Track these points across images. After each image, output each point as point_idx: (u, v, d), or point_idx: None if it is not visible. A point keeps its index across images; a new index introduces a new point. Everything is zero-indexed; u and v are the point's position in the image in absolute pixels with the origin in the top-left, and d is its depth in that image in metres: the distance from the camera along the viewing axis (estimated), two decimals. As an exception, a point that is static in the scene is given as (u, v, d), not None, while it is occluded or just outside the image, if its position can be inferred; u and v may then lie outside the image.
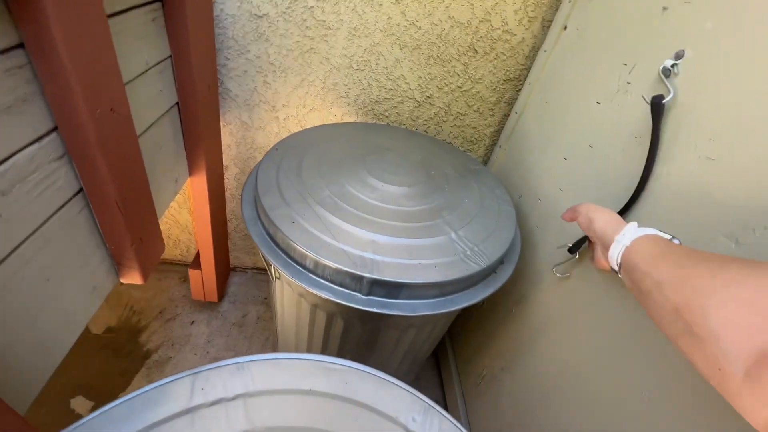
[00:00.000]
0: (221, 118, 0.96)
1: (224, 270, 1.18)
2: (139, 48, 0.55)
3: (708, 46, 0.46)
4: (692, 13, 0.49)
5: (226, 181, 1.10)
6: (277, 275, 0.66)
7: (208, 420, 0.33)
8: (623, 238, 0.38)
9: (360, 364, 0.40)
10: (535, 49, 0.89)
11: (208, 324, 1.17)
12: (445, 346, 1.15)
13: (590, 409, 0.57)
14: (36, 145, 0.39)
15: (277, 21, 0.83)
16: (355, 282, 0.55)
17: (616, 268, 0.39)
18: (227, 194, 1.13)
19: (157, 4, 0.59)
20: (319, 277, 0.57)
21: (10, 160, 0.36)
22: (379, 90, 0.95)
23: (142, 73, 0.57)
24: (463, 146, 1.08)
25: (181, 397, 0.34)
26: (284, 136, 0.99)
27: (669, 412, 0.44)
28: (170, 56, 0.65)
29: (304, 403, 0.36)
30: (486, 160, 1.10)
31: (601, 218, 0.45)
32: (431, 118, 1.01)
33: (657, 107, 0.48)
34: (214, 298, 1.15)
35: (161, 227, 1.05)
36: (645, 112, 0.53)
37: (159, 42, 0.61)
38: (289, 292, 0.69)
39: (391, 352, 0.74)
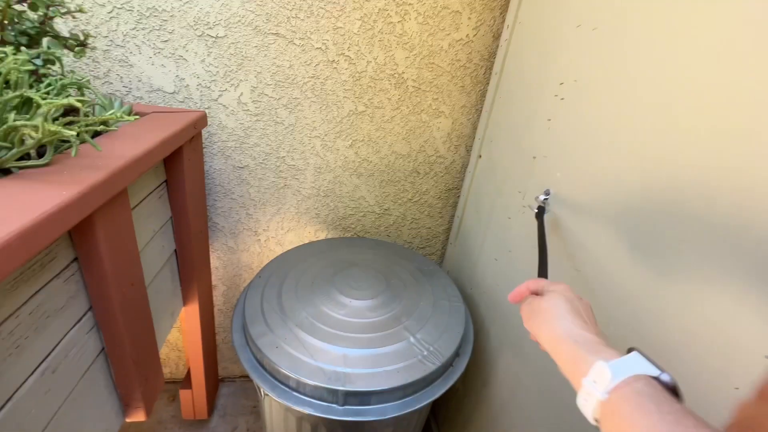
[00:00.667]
0: (210, 246, 1.11)
1: (214, 384, 1.23)
2: (149, 222, 0.71)
3: (560, 188, 0.66)
4: (550, 165, 0.70)
5: (214, 298, 1.21)
6: (266, 393, 0.75)
7: None
8: (595, 389, 0.28)
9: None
10: (464, 167, 1.13)
11: (198, 444, 1.18)
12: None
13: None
14: (76, 327, 0.51)
15: (256, 169, 1.03)
16: (331, 395, 0.65)
17: (588, 416, 0.30)
18: (215, 310, 1.23)
19: (163, 184, 0.77)
20: (301, 394, 0.67)
21: (59, 346, 0.48)
22: (345, 209, 1.14)
23: (150, 239, 0.72)
24: (422, 243, 1.25)
25: None
26: (265, 255, 1.14)
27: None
28: (170, 218, 0.82)
29: None
30: (443, 254, 1.27)
31: (547, 333, 0.38)
32: (391, 225, 1.20)
33: (541, 218, 0.66)
34: (204, 415, 1.18)
35: (153, 351, 1.12)
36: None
37: (163, 211, 0.78)
38: (277, 407, 0.77)
39: (374, 452, 0.80)
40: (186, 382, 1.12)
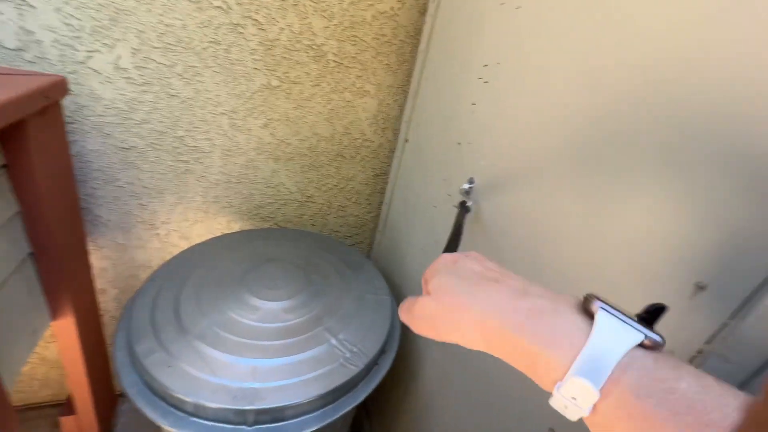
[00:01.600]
0: (92, 244, 0.92)
1: (108, 404, 1.05)
2: (-23, 221, 0.54)
3: (483, 176, 0.63)
4: (475, 151, 0.67)
5: (103, 304, 1.02)
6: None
7: None
8: (575, 404, 0.21)
9: None
10: (392, 152, 1.07)
11: (91, 473, 1.01)
12: (364, 427, 1.17)
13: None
14: None
15: (147, 151, 0.86)
16: (238, 416, 0.57)
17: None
18: (107, 317, 1.04)
19: (1, 169, 0.59)
20: (201, 418, 0.57)
21: None
22: (261, 197, 1.02)
23: (-18, 243, 0.55)
24: (350, 232, 1.19)
25: None
26: (167, 250, 0.98)
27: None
28: (18, 213, 0.63)
29: None
30: (371, 242, 1.22)
31: (459, 336, 0.27)
32: (315, 213, 1.11)
33: (462, 208, 0.63)
34: (98, 439, 1.01)
35: (23, 369, 0.91)
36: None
37: (2, 205, 0.60)
38: (177, 432, 0.66)
39: (296, 462, 0.74)
40: (67, 407, 0.94)
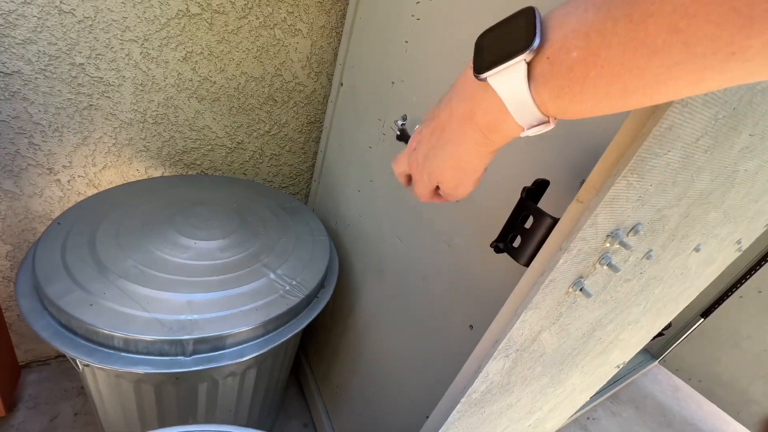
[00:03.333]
0: (-31, 191, 0.78)
1: (10, 373, 0.94)
2: None
3: (416, 112, 0.67)
4: (407, 89, 0.70)
5: (-8, 263, 0.88)
6: (85, 364, 0.60)
7: None
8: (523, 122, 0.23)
9: (181, 426, 0.43)
10: (326, 98, 1.06)
11: (-4, 448, 0.91)
12: (304, 369, 1.21)
13: (403, 398, 0.73)
14: None
15: (36, 78, 0.74)
16: (175, 347, 0.56)
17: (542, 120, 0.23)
18: (-2, 278, 0.91)
19: None
20: (134, 353, 0.55)
21: None
22: (184, 141, 0.94)
23: None
24: (284, 182, 1.17)
25: None
26: (72, 200, 0.88)
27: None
28: None
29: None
30: (308, 192, 1.22)
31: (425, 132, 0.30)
32: (247, 161, 1.06)
33: (402, 138, 0.66)
34: (0, 412, 0.90)
35: None
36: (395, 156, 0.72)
37: None
38: (104, 377, 0.63)
39: (238, 397, 0.76)
40: (-43, 377, 0.82)
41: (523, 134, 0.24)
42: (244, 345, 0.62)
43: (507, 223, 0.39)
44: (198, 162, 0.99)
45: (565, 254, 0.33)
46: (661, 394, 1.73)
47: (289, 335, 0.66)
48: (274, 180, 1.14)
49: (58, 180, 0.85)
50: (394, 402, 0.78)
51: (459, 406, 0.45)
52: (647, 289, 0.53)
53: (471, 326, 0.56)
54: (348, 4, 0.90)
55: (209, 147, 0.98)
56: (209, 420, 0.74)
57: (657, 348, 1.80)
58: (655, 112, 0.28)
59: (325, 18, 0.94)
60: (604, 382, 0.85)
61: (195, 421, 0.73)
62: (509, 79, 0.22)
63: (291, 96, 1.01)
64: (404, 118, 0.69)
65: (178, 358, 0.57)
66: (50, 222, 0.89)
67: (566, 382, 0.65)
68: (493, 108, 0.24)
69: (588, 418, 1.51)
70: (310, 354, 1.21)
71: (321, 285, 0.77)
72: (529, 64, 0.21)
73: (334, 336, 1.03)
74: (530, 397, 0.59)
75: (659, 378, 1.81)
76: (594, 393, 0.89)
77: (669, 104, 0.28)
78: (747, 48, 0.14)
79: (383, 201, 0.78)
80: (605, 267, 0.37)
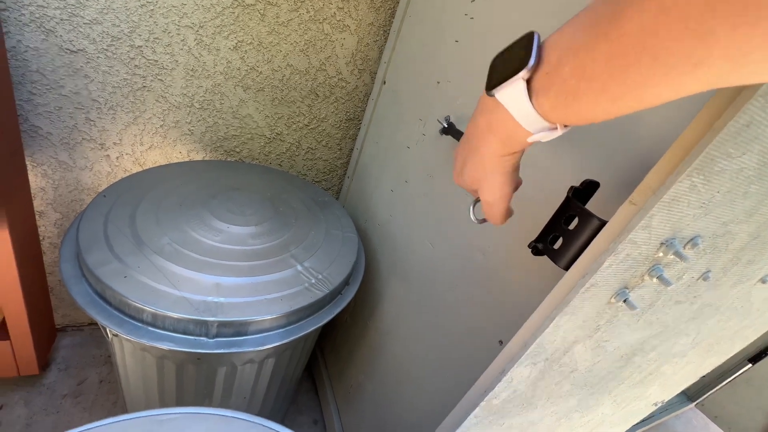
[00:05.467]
0: (29, 159, 0.83)
1: (47, 333, 0.99)
2: None
3: (460, 113, 0.65)
4: (452, 89, 0.68)
5: (42, 229, 0.94)
6: (114, 333, 0.62)
7: None
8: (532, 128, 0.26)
9: (196, 407, 0.43)
10: (367, 96, 1.05)
11: (27, 404, 0.96)
12: (319, 365, 1.21)
13: (418, 404, 0.70)
14: None
15: (98, 57, 0.77)
16: (199, 327, 0.56)
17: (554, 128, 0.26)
18: (46, 243, 0.96)
19: None
20: (161, 329, 0.56)
21: None
22: (227, 128, 0.97)
23: None
24: (318, 177, 1.17)
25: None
26: (119, 176, 0.92)
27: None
28: (-58, 99, 0.55)
29: (137, 461, 0.37)
30: (339, 189, 1.22)
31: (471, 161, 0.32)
32: (283, 153, 1.07)
33: (449, 130, 0.64)
34: (35, 369, 0.95)
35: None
36: (435, 157, 0.70)
37: None
38: (130, 349, 0.65)
39: (254, 384, 0.76)
40: (1, 332, 0.87)
41: (530, 139, 0.27)
42: (266, 333, 0.61)
43: (549, 222, 0.36)
44: (237, 149, 1.01)
45: (611, 257, 0.29)
46: (694, 440, 1.60)
47: (311, 329, 0.65)
48: (308, 173, 1.15)
49: (108, 156, 0.90)
50: (408, 408, 0.75)
51: (477, 410, 0.42)
52: (700, 318, 0.48)
53: (500, 342, 0.53)
54: (398, 2, 0.89)
55: (249, 136, 1.00)
56: (224, 405, 0.75)
57: (695, 390, 1.66)
58: (733, 103, 0.25)
59: (374, 15, 0.93)
60: (638, 420, 0.79)
61: (210, 404, 0.73)
62: (512, 93, 0.26)
63: (333, 91, 1.01)
64: (447, 119, 0.67)
65: (202, 339, 0.57)
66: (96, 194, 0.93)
67: (596, 409, 0.61)
68: (504, 118, 0.28)
69: (610, 455, 1.42)
70: (326, 351, 1.20)
71: (346, 282, 0.76)
72: (531, 80, 0.24)
73: (353, 336, 1.01)
74: (554, 418, 0.55)
75: (693, 423, 1.67)
76: (625, 430, 0.82)
77: (749, 96, 0.24)
78: (706, 58, 0.17)
79: (417, 203, 0.76)
80: (655, 280, 0.33)
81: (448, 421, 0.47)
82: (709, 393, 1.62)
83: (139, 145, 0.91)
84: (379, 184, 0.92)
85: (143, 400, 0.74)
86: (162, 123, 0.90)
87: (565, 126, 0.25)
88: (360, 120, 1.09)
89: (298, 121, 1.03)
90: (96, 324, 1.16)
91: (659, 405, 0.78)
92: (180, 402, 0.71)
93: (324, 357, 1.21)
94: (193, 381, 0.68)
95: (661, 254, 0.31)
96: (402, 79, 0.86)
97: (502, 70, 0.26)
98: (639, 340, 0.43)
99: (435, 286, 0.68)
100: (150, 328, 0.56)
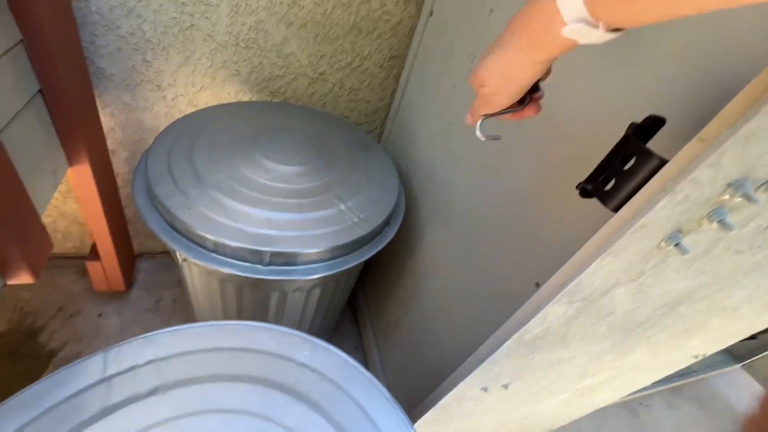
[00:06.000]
0: (98, 100, 0.90)
1: (128, 258, 1.15)
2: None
3: (515, 47, 0.60)
4: (508, 18, 0.62)
5: (115, 165, 1.04)
6: (183, 258, 0.70)
7: (124, 383, 0.39)
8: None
9: (258, 321, 0.49)
10: (412, 30, 0.99)
11: (119, 314, 1.15)
12: (359, 300, 1.30)
13: (453, 337, 0.74)
14: None
15: (148, -5, 0.79)
16: (255, 256, 0.62)
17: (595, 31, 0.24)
18: (119, 180, 1.07)
19: (-6, -16, 0.54)
20: (222, 255, 0.63)
21: None
22: (271, 67, 0.97)
23: (-9, 63, 0.53)
24: (360, 119, 1.16)
25: (95, 371, 0.39)
26: (175, 116, 0.97)
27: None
28: (21, 41, 0.60)
29: (211, 358, 0.45)
30: (381, 131, 1.20)
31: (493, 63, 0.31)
32: (326, 93, 1.07)
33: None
34: (121, 286, 1.12)
35: (45, 222, 0.97)
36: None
37: (3, 26, 0.56)
38: (198, 272, 0.73)
39: (302, 310, 0.84)
40: (93, 254, 1.02)
41: (565, 31, 0.25)
42: (313, 265, 0.67)
43: (602, 162, 0.34)
44: (282, 90, 1.02)
45: (668, 197, 0.28)
46: (736, 399, 1.57)
47: (352, 264, 0.70)
48: (351, 115, 1.14)
49: (164, 97, 0.95)
50: (442, 341, 0.81)
51: (509, 342, 0.44)
52: (761, 271, 0.45)
53: (537, 284, 0.54)
54: None
55: (293, 76, 1.00)
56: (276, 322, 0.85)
57: (743, 351, 1.59)
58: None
59: (422, -66, 0.84)
60: (674, 371, 0.79)
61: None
62: None
63: (376, 26, 0.96)
64: (498, 54, 0.62)
65: (257, 266, 0.63)
66: (157, 134, 1.00)
67: (630, 354, 0.61)
68: (548, 9, 0.25)
69: (640, 404, 1.44)
70: (367, 287, 1.29)
71: (386, 223, 0.78)
72: None
73: (392, 275, 1.07)
74: (586, 358, 0.57)
75: (737, 382, 1.63)
76: (658, 379, 0.83)
77: None
78: None
79: (460, 145, 0.74)
80: (714, 225, 0.31)
81: (482, 351, 0.50)
82: (760, 356, 1.55)
83: (192, 86, 0.94)
84: (422, 127, 0.90)
85: (209, 314, 0.86)
86: (211, 63, 0.92)
87: (609, 30, 0.23)
88: (404, 58, 1.04)
89: (341, 60, 1.00)
90: (166, 252, 1.32)
91: (699, 358, 0.77)
92: (239, 319, 0.82)
93: (365, 292, 1.29)
94: (251, 303, 0.77)
95: (726, 197, 0.29)
96: (450, 8, 0.79)
97: None
98: (687, 288, 0.42)
99: (476, 229, 0.69)
100: (213, 254, 0.63)
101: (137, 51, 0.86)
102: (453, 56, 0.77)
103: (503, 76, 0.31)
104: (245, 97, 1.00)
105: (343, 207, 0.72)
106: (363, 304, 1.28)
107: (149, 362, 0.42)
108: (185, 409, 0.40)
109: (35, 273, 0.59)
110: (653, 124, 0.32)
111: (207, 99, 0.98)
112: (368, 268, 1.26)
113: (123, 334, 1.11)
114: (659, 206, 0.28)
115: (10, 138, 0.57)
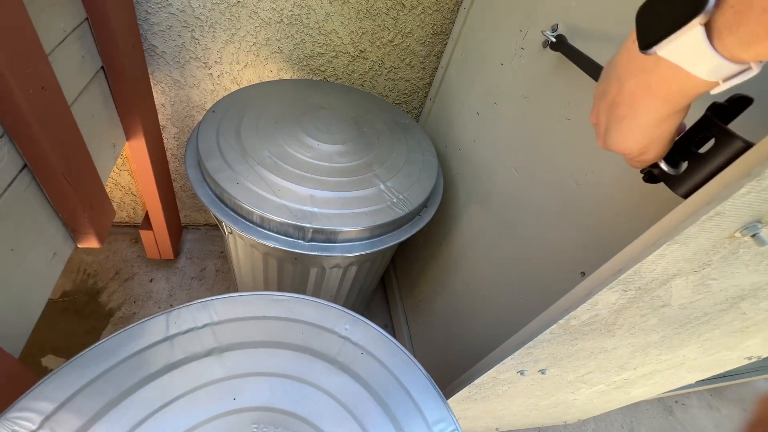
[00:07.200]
0: (150, 77, 0.94)
1: (176, 228, 1.22)
2: (53, 16, 0.54)
3: (573, 21, 0.56)
4: (565, -11, 0.58)
5: (165, 141, 1.09)
6: (229, 230, 0.74)
7: (185, 343, 0.43)
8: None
9: (301, 294, 0.52)
10: (458, 5, 0.95)
11: (168, 280, 1.23)
12: (391, 279, 1.32)
13: (487, 319, 0.74)
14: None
15: (198, -28, 0.80)
16: (297, 231, 0.64)
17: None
18: (168, 154, 1.13)
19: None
20: (266, 229, 0.65)
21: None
22: (313, 45, 0.97)
23: (62, 41, 0.56)
24: (399, 99, 1.15)
25: (159, 330, 0.43)
26: (220, 94, 1.00)
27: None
28: (86, 19, 0.64)
29: (259, 325, 0.47)
30: (419, 112, 1.18)
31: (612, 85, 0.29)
32: (366, 72, 1.06)
33: (558, 45, 0.56)
34: (170, 255, 1.20)
35: (103, 191, 1.04)
36: (534, 76, 0.64)
37: (72, 5, 0.59)
38: (242, 244, 0.77)
39: (339, 286, 0.87)
40: (146, 223, 1.09)
41: (716, 90, 0.24)
42: (352, 243, 0.68)
43: (675, 143, 0.32)
44: (322, 68, 1.02)
45: (753, 182, 0.25)
46: (784, 405, 1.47)
47: (390, 244, 0.71)
48: (390, 95, 1.13)
49: (211, 74, 0.97)
50: (476, 323, 0.81)
51: (554, 326, 0.44)
52: None
53: (583, 273, 0.52)
54: None
55: (334, 54, 0.99)
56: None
57: (799, 355, 1.48)
58: None
59: None
60: (722, 370, 0.75)
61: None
62: (684, 44, 0.22)
63: (420, 0, 0.93)
64: (554, 29, 0.59)
65: (299, 241, 0.66)
66: (204, 112, 1.04)
67: (678, 350, 0.59)
68: (670, 75, 0.24)
69: (677, 402, 1.39)
70: (398, 267, 1.30)
71: (424, 204, 0.78)
72: (710, 21, 0.21)
73: (425, 257, 1.07)
74: (630, 350, 0.55)
75: (788, 388, 1.53)
76: (703, 378, 0.79)
77: None
78: None
79: (505, 127, 0.72)
80: None
81: (522, 334, 0.50)
82: (818, 362, 1.44)
83: (236, 64, 0.96)
84: (463, 107, 0.88)
85: (251, 287, 0.90)
86: (255, 41, 0.93)
87: (761, 61, 0.21)
88: (447, 34, 1.01)
89: (382, 37, 0.99)
90: (210, 225, 1.39)
91: (753, 360, 0.72)
92: (280, 290, 0.85)
93: (396, 272, 1.31)
94: (291, 277, 0.80)
95: (819, 185, 0.26)
96: (502, -20, 0.75)
97: (664, 20, 0.22)
98: (754, 284, 0.39)
99: (518, 214, 0.67)
100: (258, 228, 0.65)
101: (187, 28, 0.88)
102: (501, 32, 0.74)
103: (647, 136, 0.30)
104: (286, 75, 1.01)
105: (382, 187, 0.73)
106: (394, 283, 1.29)
107: (205, 325, 0.45)
108: (237, 371, 0.43)
109: (101, 238, 0.64)
110: (738, 103, 0.29)
111: (250, 76, 1.00)
112: (401, 248, 1.27)
113: (171, 299, 1.19)
114: (740, 192, 0.26)
115: (79, 111, 0.61)
